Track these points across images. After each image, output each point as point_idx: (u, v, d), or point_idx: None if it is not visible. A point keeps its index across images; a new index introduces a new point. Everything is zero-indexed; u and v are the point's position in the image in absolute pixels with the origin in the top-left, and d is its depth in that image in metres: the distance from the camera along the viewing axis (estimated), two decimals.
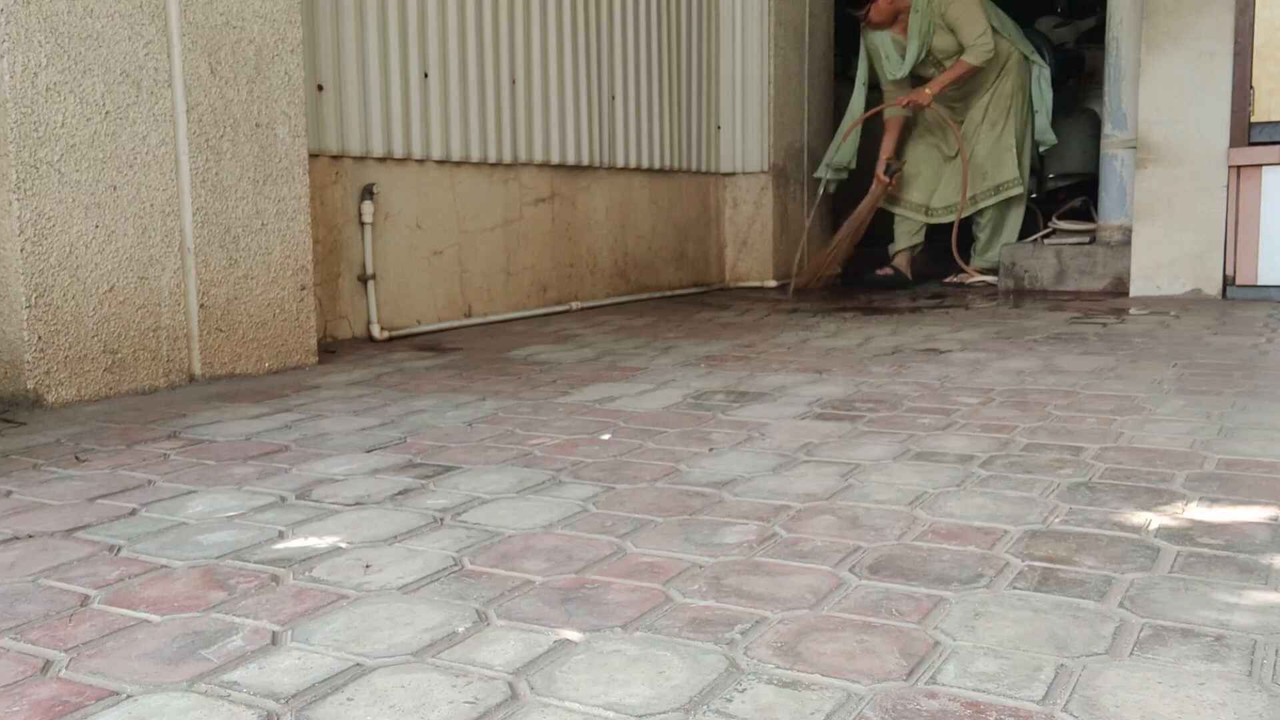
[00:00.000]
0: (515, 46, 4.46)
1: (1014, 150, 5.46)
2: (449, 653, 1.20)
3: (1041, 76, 5.49)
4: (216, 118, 2.97)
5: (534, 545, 1.57)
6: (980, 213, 5.58)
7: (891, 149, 5.50)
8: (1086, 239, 5.41)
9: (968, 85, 5.39)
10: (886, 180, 5.45)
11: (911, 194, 5.63)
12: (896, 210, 5.68)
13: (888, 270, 5.60)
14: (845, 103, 5.75)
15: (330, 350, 3.58)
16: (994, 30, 5.25)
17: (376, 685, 1.13)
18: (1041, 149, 5.66)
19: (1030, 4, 6.94)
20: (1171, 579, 1.38)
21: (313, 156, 3.60)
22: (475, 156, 4.29)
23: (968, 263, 5.65)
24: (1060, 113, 6.44)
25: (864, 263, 6.07)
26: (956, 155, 5.50)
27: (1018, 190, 5.50)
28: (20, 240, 2.56)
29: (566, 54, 4.73)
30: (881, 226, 5.87)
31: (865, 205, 5.50)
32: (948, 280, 5.60)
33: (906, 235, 5.68)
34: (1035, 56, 5.46)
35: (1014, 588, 1.36)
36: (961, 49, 5.20)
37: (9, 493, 1.92)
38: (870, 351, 3.41)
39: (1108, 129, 5.25)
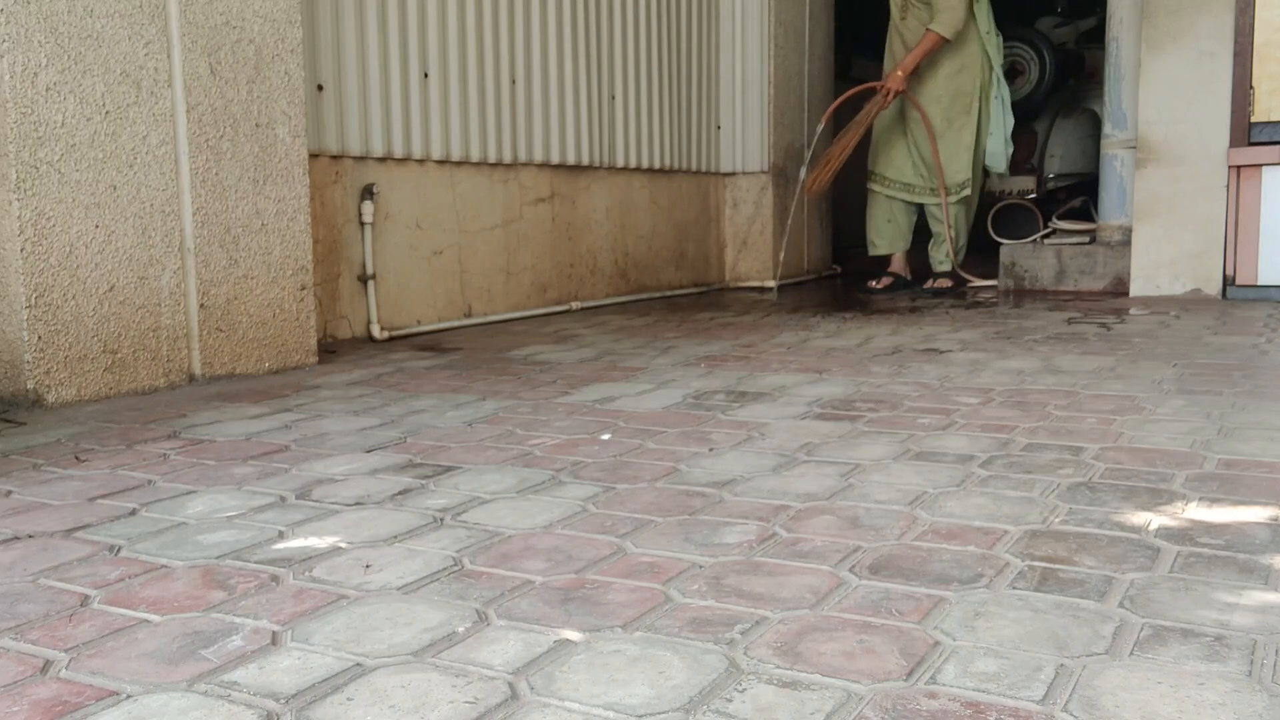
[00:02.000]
0: (515, 46, 4.46)
1: (971, 152, 5.33)
2: (449, 653, 1.20)
3: (1003, 96, 5.35)
4: (216, 118, 2.97)
5: (534, 545, 1.57)
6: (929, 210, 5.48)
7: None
8: (1086, 239, 5.40)
9: (925, 75, 5.28)
10: (888, 89, 5.22)
11: (877, 165, 5.55)
12: (872, 187, 5.58)
13: (886, 279, 5.54)
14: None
15: (330, 350, 3.58)
16: (972, 19, 5.16)
17: (376, 685, 1.13)
18: (993, 172, 5.49)
19: (1030, 4, 6.95)
20: (1171, 579, 1.38)
21: (313, 156, 3.60)
22: (475, 156, 4.29)
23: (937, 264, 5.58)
24: (1060, 113, 6.44)
25: (865, 262, 6.07)
26: (913, 134, 5.40)
27: (966, 193, 5.36)
28: (20, 240, 2.56)
29: (566, 54, 4.73)
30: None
31: (863, 114, 5.33)
32: (926, 286, 5.52)
33: (888, 238, 5.57)
34: (1000, 71, 5.35)
35: (1014, 588, 1.36)
36: (928, 3, 5.11)
37: (9, 493, 1.92)
38: (870, 351, 3.41)
39: (1108, 129, 5.25)
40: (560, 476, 1.96)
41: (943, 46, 5.13)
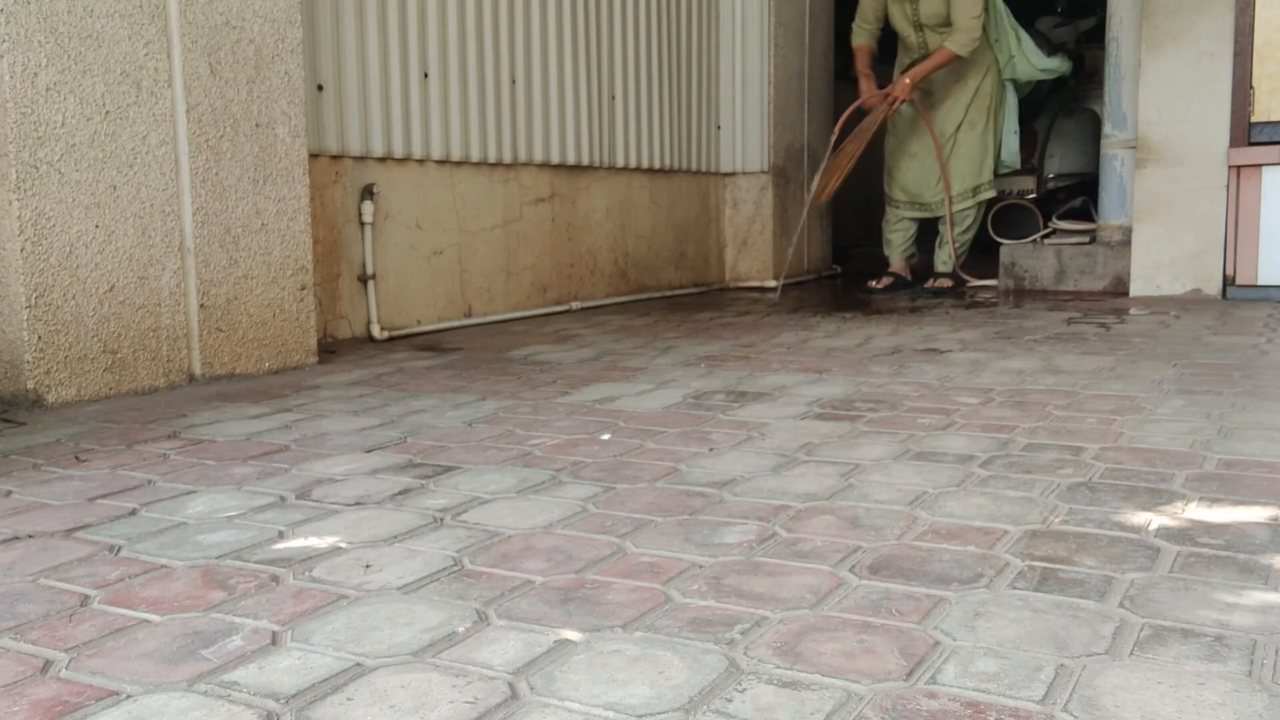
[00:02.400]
0: (515, 46, 4.46)
1: (992, 153, 5.38)
2: (449, 653, 1.20)
3: (1013, 99, 5.40)
4: (216, 118, 2.97)
5: (534, 545, 1.57)
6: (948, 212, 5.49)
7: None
8: (1086, 239, 5.40)
9: (947, 80, 5.30)
10: (894, 97, 5.20)
11: (890, 188, 5.56)
12: (889, 206, 5.61)
13: (886, 279, 5.53)
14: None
15: (330, 350, 3.58)
16: (984, 31, 5.17)
17: (376, 685, 1.13)
18: (1009, 168, 5.54)
19: (1030, 4, 6.94)
20: (1171, 579, 1.38)
21: (313, 156, 3.60)
22: (475, 156, 4.29)
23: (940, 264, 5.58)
24: (1060, 113, 6.44)
25: (865, 262, 6.06)
26: (919, 153, 5.41)
27: (991, 193, 5.42)
28: (20, 240, 2.56)
29: (566, 54, 4.73)
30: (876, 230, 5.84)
31: (870, 121, 5.35)
32: (926, 286, 5.52)
33: (898, 249, 5.61)
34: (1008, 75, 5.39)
35: (1014, 588, 1.36)
36: (948, 24, 5.11)
37: (9, 493, 1.92)
38: (870, 351, 3.41)
39: (1108, 129, 5.25)
40: (560, 476, 1.96)
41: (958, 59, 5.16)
